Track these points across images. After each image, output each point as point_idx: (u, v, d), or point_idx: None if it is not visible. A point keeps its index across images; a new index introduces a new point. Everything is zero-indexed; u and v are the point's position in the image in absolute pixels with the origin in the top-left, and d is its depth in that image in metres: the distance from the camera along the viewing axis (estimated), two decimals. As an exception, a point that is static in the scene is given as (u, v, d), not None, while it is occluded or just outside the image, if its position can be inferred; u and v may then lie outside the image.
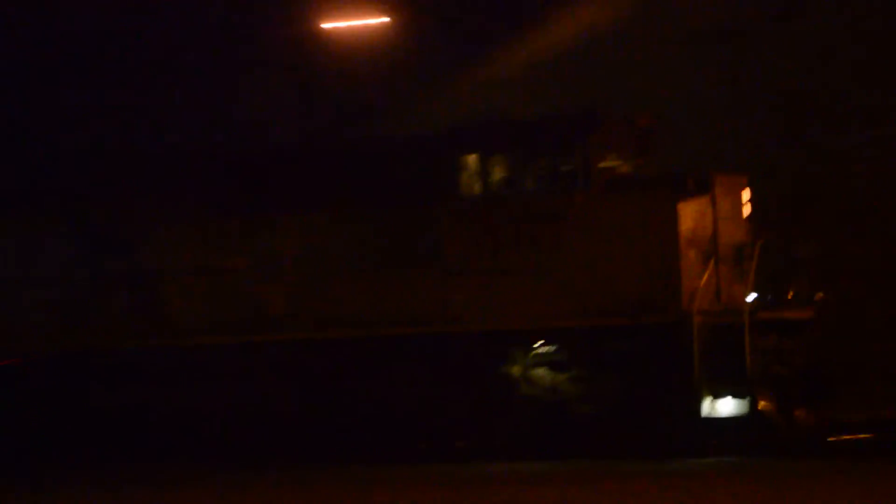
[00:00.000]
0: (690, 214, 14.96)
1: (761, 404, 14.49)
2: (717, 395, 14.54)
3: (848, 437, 15.87)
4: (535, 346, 15.35)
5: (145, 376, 16.63)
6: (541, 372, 15.29)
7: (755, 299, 15.14)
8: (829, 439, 15.58)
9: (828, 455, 14.52)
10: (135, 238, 16.93)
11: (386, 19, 22.46)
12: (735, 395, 14.47)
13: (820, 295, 15.52)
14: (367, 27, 22.56)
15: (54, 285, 16.98)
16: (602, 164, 15.35)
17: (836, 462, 13.72)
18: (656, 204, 14.80)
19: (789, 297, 15.52)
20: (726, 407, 14.57)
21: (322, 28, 23.09)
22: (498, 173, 15.58)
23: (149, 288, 16.70)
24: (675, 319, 14.53)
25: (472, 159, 15.63)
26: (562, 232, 15.03)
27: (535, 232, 15.07)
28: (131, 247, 16.82)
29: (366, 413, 15.83)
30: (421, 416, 15.63)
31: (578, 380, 15.09)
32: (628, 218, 14.84)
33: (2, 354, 17.12)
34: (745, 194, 15.67)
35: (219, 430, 16.39)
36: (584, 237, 14.94)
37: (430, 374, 15.58)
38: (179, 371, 16.47)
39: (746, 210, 15.70)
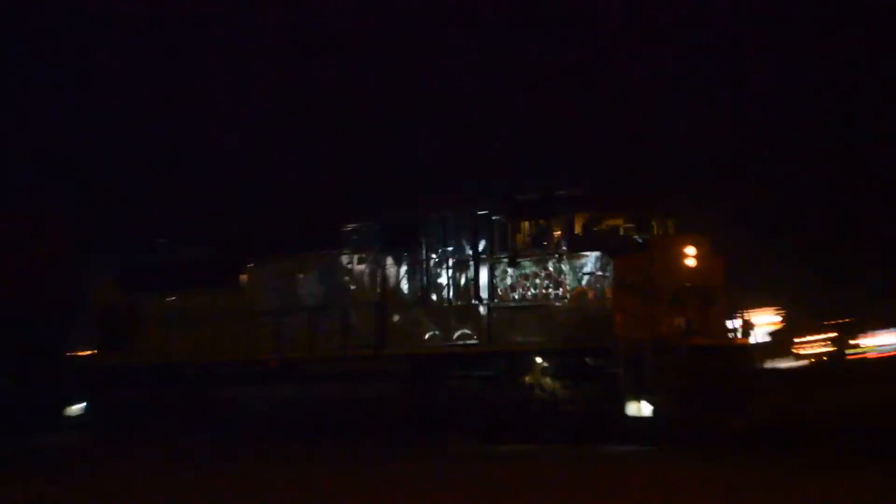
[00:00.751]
0: (632, 266, 20.40)
1: (666, 408, 19.72)
2: (637, 399, 19.97)
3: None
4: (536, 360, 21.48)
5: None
6: (540, 379, 21.46)
7: (684, 327, 20.32)
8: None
9: (716, 448, 19.08)
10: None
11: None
12: (648, 401, 19.83)
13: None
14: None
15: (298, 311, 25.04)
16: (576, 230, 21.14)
17: (714, 453, 18.35)
18: (600, 261, 20.45)
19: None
20: (645, 409, 19.95)
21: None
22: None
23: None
24: (608, 345, 20.18)
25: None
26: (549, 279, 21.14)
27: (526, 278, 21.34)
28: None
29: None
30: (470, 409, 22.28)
31: (560, 385, 21.14)
32: (582, 270, 20.67)
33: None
34: (690, 250, 20.59)
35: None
36: (559, 283, 20.99)
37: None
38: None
39: (690, 262, 20.61)
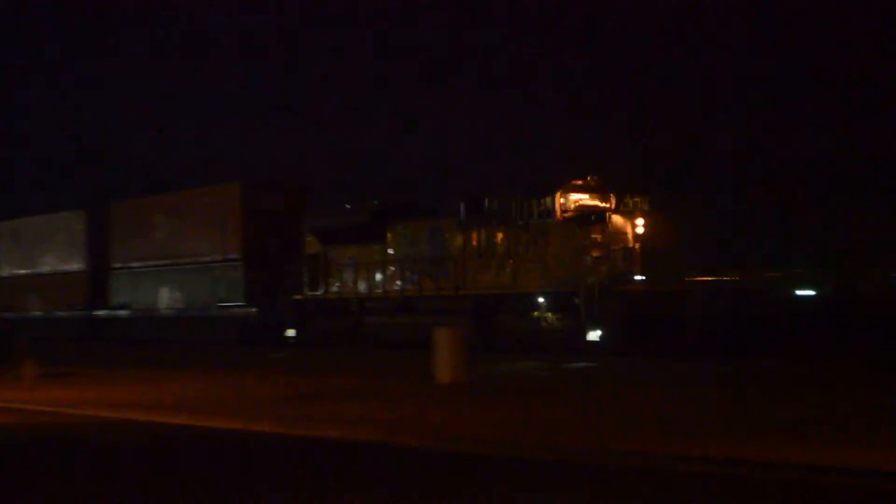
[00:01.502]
0: (593, 232, 28.34)
1: (610, 334, 27.67)
2: (592, 328, 28.01)
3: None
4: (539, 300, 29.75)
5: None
6: (543, 313, 29.74)
7: (628, 277, 28.04)
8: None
9: (645, 361, 26.20)
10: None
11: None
12: (599, 329, 27.83)
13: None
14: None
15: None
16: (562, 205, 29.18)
17: (642, 366, 25.83)
18: (569, 230, 28.58)
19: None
20: (594, 336, 27.97)
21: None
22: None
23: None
24: (573, 289, 28.34)
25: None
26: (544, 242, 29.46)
27: (532, 240, 29.66)
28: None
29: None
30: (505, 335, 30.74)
31: (553, 317, 29.38)
32: (560, 235, 28.86)
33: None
34: (639, 221, 28.13)
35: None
36: (550, 244, 29.27)
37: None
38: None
39: (639, 230, 28.12)
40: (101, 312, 46.67)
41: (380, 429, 14.89)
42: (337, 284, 35.81)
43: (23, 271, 52.19)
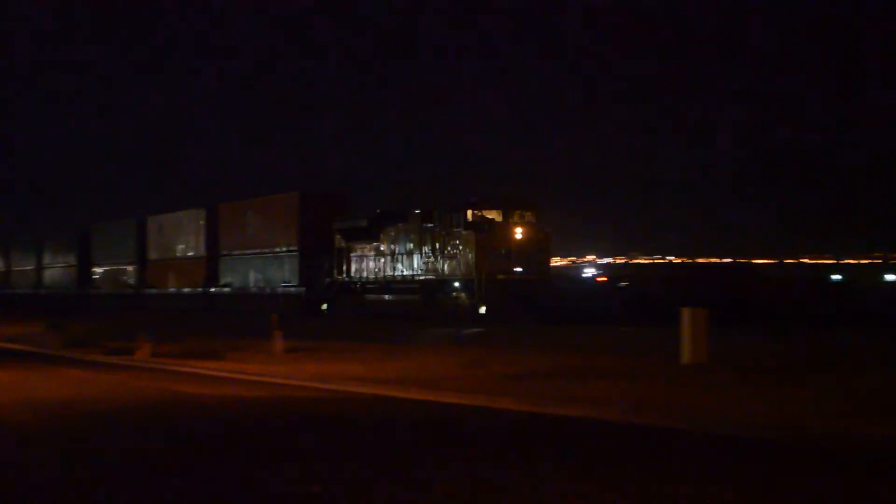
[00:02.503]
0: (485, 238, 40.63)
1: (492, 309, 40.12)
2: (481, 304, 40.47)
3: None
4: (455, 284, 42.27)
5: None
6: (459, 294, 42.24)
7: (506, 269, 40.37)
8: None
9: (515, 327, 38.36)
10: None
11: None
12: (484, 305, 40.32)
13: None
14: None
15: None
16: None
17: (514, 330, 37.97)
18: (471, 236, 41.03)
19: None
20: (483, 310, 40.43)
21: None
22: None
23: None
24: (471, 277, 40.88)
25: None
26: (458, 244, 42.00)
27: (453, 243, 42.22)
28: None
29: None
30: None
31: (464, 297, 41.84)
32: (465, 240, 41.37)
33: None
34: (518, 229, 40.27)
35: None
36: (461, 246, 41.82)
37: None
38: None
39: (518, 236, 40.33)
40: (213, 289, 60.96)
41: (630, 408, 15.39)
42: (352, 271, 48.87)
43: (164, 256, 67.25)
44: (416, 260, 44.42)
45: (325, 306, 50.65)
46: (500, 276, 40.20)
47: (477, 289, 40.30)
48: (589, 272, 42.28)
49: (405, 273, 45.19)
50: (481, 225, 41.16)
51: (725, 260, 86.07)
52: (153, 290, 66.72)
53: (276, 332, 28.48)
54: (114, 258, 73.53)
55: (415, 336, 33.37)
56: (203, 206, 63.50)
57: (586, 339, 29.86)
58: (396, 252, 45.83)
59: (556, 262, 53.45)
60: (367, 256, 47.94)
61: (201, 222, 62.59)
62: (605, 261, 68.16)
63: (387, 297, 46.43)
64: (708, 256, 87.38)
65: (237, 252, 59.39)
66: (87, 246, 76.64)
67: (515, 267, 40.58)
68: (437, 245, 43.07)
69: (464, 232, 41.43)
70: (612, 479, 10.39)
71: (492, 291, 40.02)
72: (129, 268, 70.83)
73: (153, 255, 68.70)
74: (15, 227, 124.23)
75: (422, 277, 44.05)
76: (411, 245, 44.80)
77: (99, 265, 75.31)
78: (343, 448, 12.92)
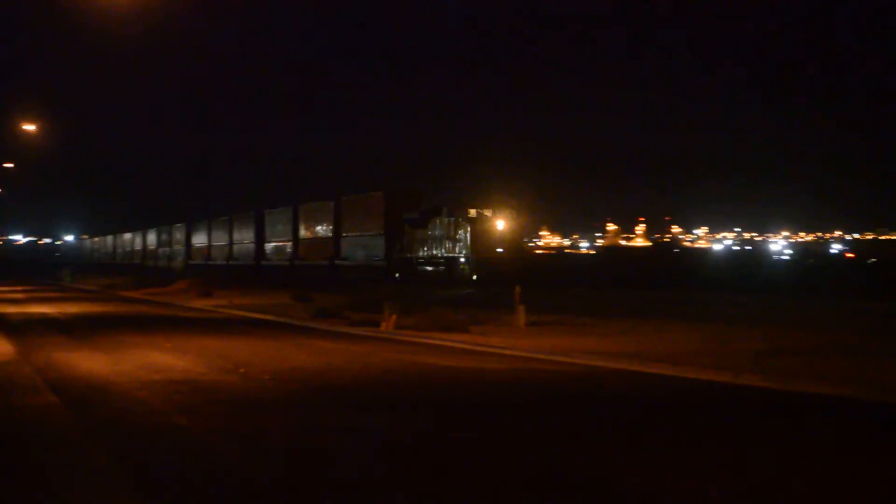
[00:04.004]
0: (477, 229, 59.81)
1: (480, 277, 58.05)
2: (473, 275, 58.63)
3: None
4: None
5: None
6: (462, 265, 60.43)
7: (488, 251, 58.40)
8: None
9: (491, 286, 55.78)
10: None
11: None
12: (476, 275, 58.35)
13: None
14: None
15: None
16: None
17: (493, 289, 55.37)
18: (468, 226, 59.51)
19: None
20: (474, 278, 58.59)
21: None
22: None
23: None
24: (469, 256, 59.23)
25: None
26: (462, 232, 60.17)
27: (462, 233, 60.39)
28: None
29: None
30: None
31: (464, 269, 60.05)
32: (465, 229, 59.98)
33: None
34: (500, 222, 59.27)
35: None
36: (464, 234, 59.97)
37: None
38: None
39: (500, 227, 58.99)
40: (337, 261, 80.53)
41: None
42: (411, 250, 67.70)
43: (308, 236, 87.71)
44: (445, 243, 62.95)
45: (397, 275, 68.71)
46: (484, 255, 59.11)
47: (469, 264, 59.23)
48: (836, 248, 55.06)
49: (436, 252, 64.08)
50: (473, 219, 60.00)
51: None
52: (301, 262, 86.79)
53: (518, 307, 29.16)
54: (277, 236, 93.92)
55: (441, 293, 47.54)
56: (332, 199, 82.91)
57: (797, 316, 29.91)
58: (433, 237, 64.60)
59: (802, 237, 65.53)
60: (417, 240, 66.81)
61: (330, 211, 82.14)
62: (853, 236, 78.42)
63: (429, 268, 65.19)
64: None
65: (351, 234, 78.63)
66: (262, 226, 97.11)
67: (497, 248, 59.25)
68: (453, 233, 61.71)
69: (463, 223, 60.49)
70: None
71: (479, 265, 58.95)
72: (288, 244, 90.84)
73: (301, 234, 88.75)
74: (213, 210, 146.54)
75: (446, 255, 62.65)
76: (441, 232, 63.52)
77: (269, 242, 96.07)
78: (595, 425, 12.95)
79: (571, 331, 27.51)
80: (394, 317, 29.49)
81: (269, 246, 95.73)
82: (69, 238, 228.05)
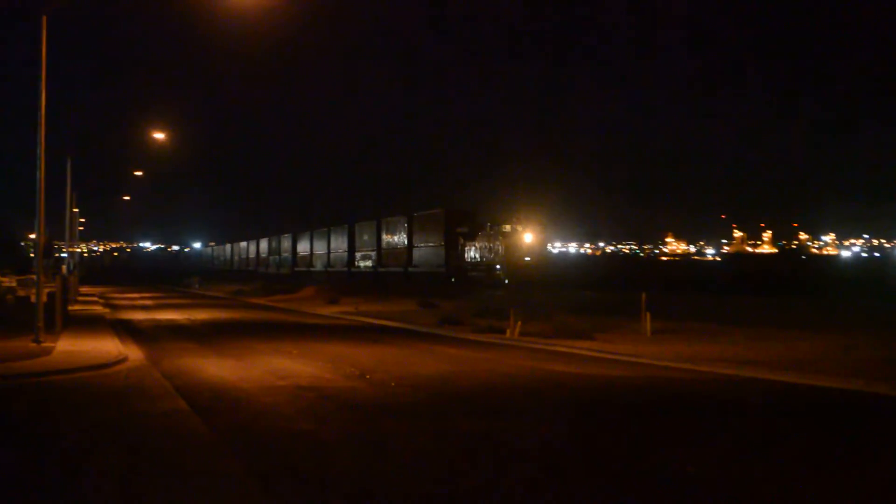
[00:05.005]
0: (511, 240, 73.04)
1: (511, 280, 69.73)
2: (507, 279, 70.98)
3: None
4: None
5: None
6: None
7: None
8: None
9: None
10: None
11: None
12: (507, 279, 70.48)
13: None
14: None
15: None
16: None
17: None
18: (502, 238, 72.86)
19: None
20: (506, 280, 69.35)
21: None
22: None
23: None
24: (502, 263, 72.36)
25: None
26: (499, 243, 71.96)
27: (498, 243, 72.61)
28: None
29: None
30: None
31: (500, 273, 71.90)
32: (499, 241, 73.39)
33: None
34: (529, 235, 72.02)
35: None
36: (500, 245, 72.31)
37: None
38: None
39: (528, 239, 71.95)
40: (410, 269, 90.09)
41: None
42: (463, 259, 77.87)
43: (387, 247, 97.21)
44: (486, 253, 73.93)
45: (453, 279, 78.55)
46: (514, 262, 70.71)
47: (504, 270, 70.63)
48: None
49: (480, 260, 74.99)
50: (507, 233, 71.48)
51: None
52: (382, 269, 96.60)
53: (644, 314, 28.33)
54: (364, 246, 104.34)
55: (484, 292, 56.13)
56: (405, 215, 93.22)
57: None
58: (478, 248, 75.50)
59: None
60: (467, 249, 77.47)
61: (405, 225, 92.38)
62: None
63: (474, 274, 75.48)
64: None
65: (418, 245, 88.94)
66: (353, 237, 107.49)
67: (525, 257, 71.03)
68: (492, 244, 72.90)
69: (499, 235, 71.93)
70: None
71: (509, 271, 70.50)
72: (372, 253, 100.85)
73: (383, 245, 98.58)
74: (313, 221, 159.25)
75: (486, 263, 73.80)
76: (483, 244, 74.46)
77: (358, 251, 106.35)
78: (726, 434, 12.79)
79: (697, 338, 27.13)
80: (519, 323, 29.08)
81: (358, 254, 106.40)
82: (197, 245, 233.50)
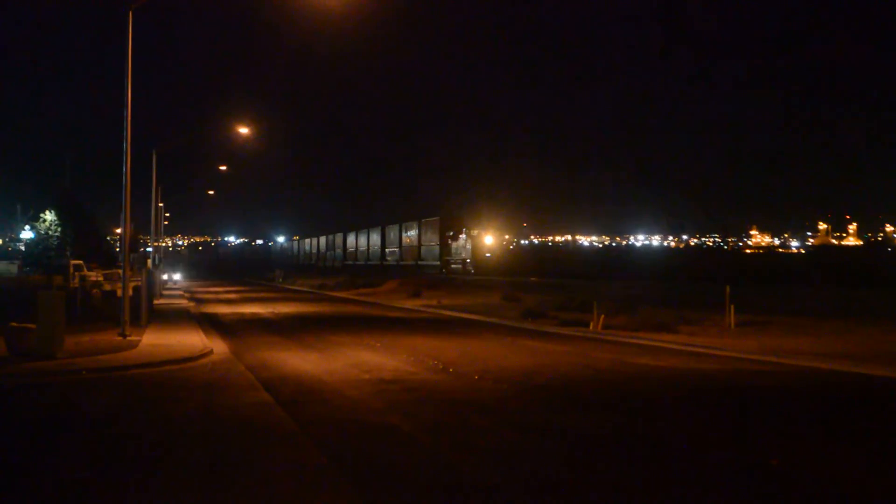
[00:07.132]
0: (476, 241, 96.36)
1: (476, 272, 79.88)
2: (471, 269, 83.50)
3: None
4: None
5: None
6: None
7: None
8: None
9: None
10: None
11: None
12: (473, 270, 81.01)
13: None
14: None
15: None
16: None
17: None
18: (470, 240, 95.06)
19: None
20: (472, 270, 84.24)
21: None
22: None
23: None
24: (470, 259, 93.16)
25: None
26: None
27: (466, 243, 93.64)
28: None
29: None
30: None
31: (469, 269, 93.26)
32: (470, 242, 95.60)
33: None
34: (489, 237, 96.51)
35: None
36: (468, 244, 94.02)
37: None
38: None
39: (489, 241, 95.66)
40: (420, 262, 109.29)
41: None
42: (449, 254, 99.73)
43: (407, 244, 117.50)
44: (462, 250, 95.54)
45: (443, 270, 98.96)
46: (478, 257, 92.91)
47: (472, 264, 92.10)
48: None
49: (458, 256, 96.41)
50: (475, 236, 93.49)
51: None
52: (404, 262, 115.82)
53: (729, 307, 27.91)
54: (390, 244, 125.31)
55: (458, 278, 73.19)
56: (416, 220, 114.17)
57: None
58: (458, 246, 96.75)
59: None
60: (452, 248, 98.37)
61: (416, 227, 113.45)
62: None
63: (454, 266, 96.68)
64: None
65: (424, 244, 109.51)
66: (384, 235, 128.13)
67: (486, 253, 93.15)
68: (465, 244, 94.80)
69: (468, 238, 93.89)
70: None
71: (476, 264, 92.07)
72: (397, 249, 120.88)
73: (403, 243, 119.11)
74: (360, 221, 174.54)
75: (462, 258, 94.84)
76: (460, 244, 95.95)
77: (387, 248, 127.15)
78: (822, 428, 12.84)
79: (782, 331, 26.80)
80: (602, 317, 28.93)
81: (387, 250, 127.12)
82: (280, 240, 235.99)
